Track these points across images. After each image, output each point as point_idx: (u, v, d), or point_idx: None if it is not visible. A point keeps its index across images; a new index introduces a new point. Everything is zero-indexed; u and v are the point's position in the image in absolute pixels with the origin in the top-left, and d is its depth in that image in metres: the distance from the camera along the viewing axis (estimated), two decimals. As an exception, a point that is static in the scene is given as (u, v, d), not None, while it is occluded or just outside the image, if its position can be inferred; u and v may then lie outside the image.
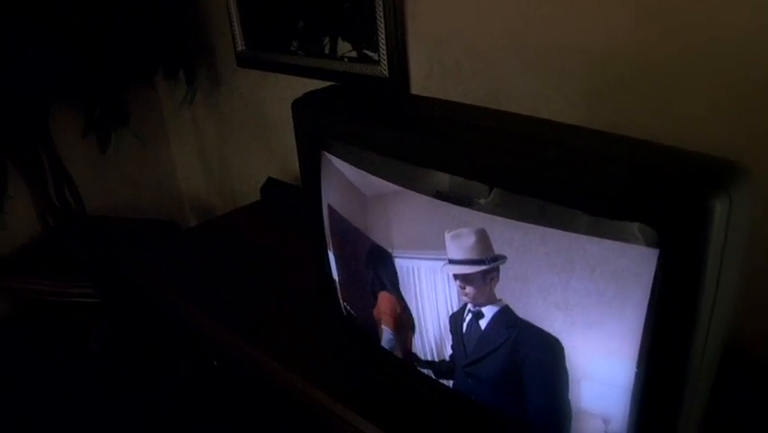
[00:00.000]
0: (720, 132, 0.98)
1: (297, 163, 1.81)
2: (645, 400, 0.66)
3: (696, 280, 0.57)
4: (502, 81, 1.24)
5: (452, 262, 0.71)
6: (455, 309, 0.77)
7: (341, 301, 1.02)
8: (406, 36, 1.39)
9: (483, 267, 0.67)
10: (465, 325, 0.75)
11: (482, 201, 0.69)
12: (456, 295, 0.75)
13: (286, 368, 1.12)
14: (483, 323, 0.73)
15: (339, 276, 0.99)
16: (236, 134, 2.06)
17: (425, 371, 0.89)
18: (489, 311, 0.72)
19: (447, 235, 0.70)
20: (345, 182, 0.86)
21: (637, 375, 0.66)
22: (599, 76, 1.10)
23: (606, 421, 0.72)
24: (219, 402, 1.47)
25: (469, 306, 0.74)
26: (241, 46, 1.83)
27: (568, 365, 0.70)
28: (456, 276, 0.71)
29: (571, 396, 0.72)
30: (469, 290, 0.70)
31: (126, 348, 1.98)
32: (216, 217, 1.88)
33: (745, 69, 0.92)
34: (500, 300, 0.71)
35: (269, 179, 1.82)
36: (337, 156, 0.86)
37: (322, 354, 1.13)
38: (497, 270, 0.67)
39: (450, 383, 0.86)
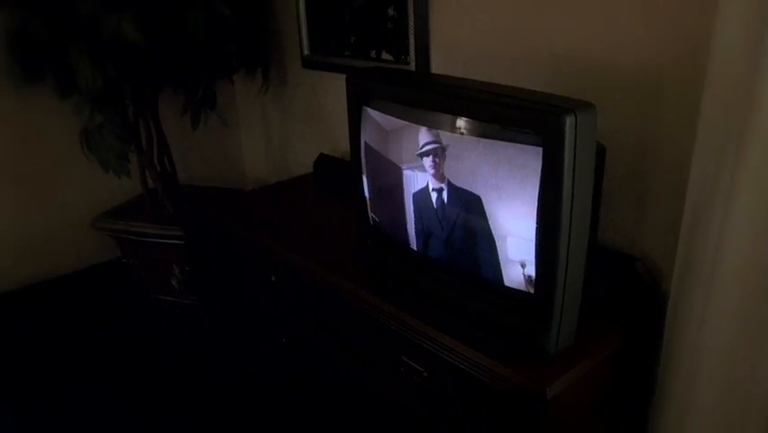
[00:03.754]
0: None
1: (345, 143, 2.31)
2: (540, 245, 1.13)
3: (560, 165, 1.04)
4: (493, 76, 1.72)
5: (425, 144, 1.22)
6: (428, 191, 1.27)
7: (369, 213, 1.52)
8: (429, 44, 1.91)
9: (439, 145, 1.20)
10: (434, 201, 1.25)
11: (451, 124, 1.19)
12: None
13: (326, 269, 1.62)
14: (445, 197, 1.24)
15: (369, 194, 1.49)
16: (296, 122, 2.60)
17: (420, 250, 1.38)
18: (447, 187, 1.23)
19: (422, 129, 1.21)
20: (376, 124, 1.37)
21: (537, 229, 1.13)
22: (559, 72, 1.58)
23: (523, 265, 1.19)
24: (276, 308, 1.98)
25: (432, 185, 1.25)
26: (306, 51, 2.37)
27: (493, 226, 1.18)
28: (429, 153, 1.21)
29: (499, 250, 1.19)
30: (438, 161, 1.21)
31: (202, 286, 2.52)
32: (276, 183, 2.41)
33: (645, 78, 1.39)
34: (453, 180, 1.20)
35: (321, 154, 2.34)
36: (372, 108, 1.37)
37: (354, 259, 1.62)
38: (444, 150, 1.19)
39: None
